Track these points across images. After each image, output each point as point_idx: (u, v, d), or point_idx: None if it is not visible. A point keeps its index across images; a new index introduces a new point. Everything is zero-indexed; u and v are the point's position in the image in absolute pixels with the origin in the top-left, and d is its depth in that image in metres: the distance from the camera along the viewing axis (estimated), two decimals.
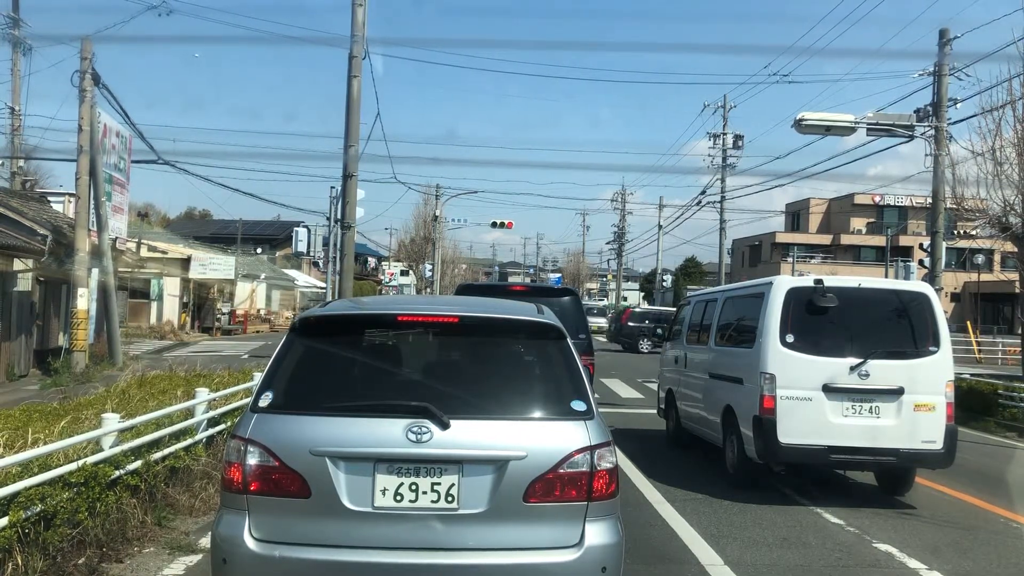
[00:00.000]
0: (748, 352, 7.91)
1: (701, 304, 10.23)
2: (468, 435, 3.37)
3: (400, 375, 3.90)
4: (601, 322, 48.00)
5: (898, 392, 7.39)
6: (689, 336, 10.34)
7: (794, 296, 7.66)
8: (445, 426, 3.34)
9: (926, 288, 8.12)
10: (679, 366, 10.41)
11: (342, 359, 3.82)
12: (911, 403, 7.38)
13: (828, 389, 7.35)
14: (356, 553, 3.28)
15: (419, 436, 3.32)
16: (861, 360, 7.39)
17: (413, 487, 3.33)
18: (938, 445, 7.38)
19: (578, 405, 3.55)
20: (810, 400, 7.35)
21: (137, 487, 5.64)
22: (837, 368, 7.40)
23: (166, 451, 6.27)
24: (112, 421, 5.60)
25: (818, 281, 7.78)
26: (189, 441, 6.80)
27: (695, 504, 7.19)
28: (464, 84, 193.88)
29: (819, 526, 6.63)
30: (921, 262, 18.24)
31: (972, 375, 16.44)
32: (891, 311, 7.94)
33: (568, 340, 3.84)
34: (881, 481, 8.25)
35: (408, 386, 3.81)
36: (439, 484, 3.33)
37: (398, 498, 3.32)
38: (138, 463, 5.71)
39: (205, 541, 5.56)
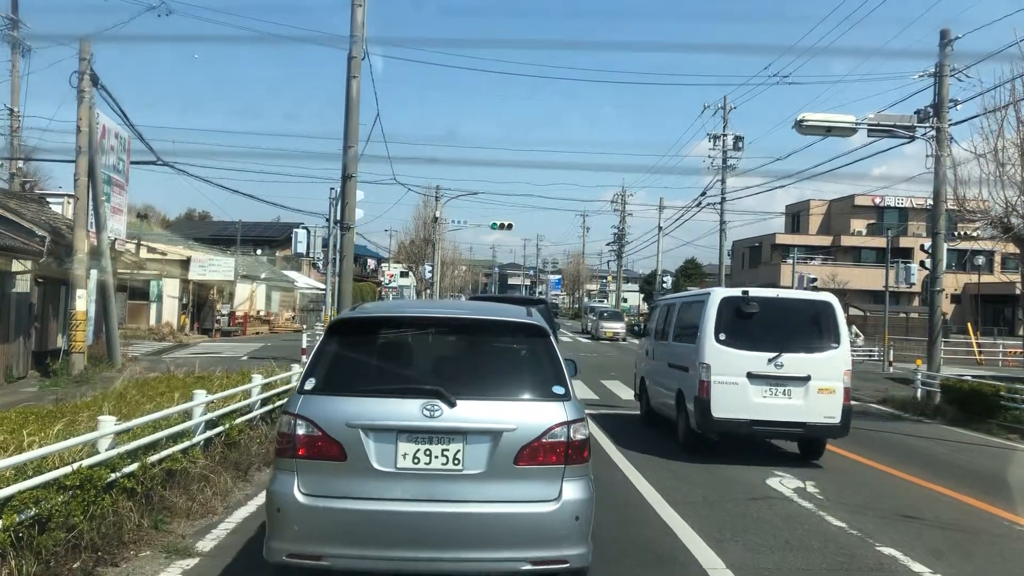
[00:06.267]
0: (692, 347, 9.77)
1: (665, 307, 12.22)
2: (471, 412, 4.14)
3: (416, 364, 4.83)
4: (618, 328, 40.54)
5: (806, 379, 9.29)
6: (656, 333, 12.28)
7: (726, 303, 9.58)
8: (452, 405, 4.12)
9: (830, 298, 9.90)
10: (648, 357, 12.48)
11: (370, 351, 4.64)
12: (816, 387, 9.27)
13: (751, 376, 9.26)
14: (382, 504, 4.04)
15: (432, 413, 4.10)
16: (777, 354, 9.27)
17: (427, 452, 4.10)
18: (836, 420, 9.31)
19: (558, 389, 4.34)
20: (737, 384, 9.25)
21: (133, 490, 5.57)
22: (758, 360, 9.28)
23: (163, 453, 6.21)
24: (108, 424, 5.55)
25: (745, 292, 9.77)
26: (187, 443, 6.74)
27: (695, 506, 7.13)
28: (464, 84, 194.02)
29: (821, 529, 6.57)
30: (922, 263, 18.17)
31: (974, 377, 16.38)
32: (802, 315, 9.76)
33: (551, 337, 4.64)
34: (801, 448, 10.16)
35: (423, 373, 4.64)
36: (448, 450, 4.10)
37: (415, 461, 4.09)
38: (134, 466, 5.64)
39: (203, 545, 5.52)
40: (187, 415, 7.12)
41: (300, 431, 4.12)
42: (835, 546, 6.09)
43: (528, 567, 4.08)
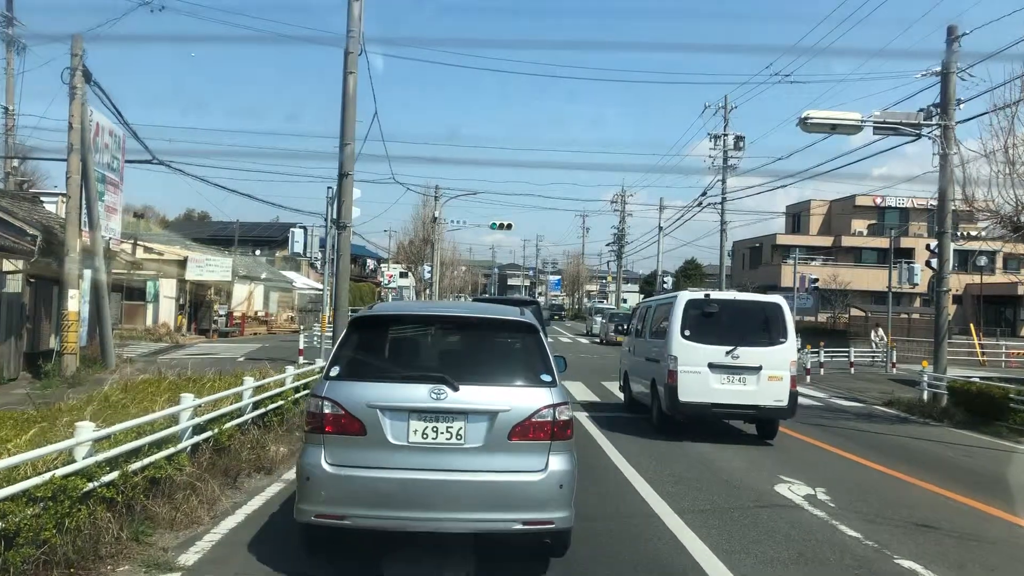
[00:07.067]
0: (663, 342, 11.26)
1: (644, 308, 14.08)
2: (471, 395, 4.82)
3: (425, 355, 5.61)
4: None
5: (758, 368, 10.72)
6: (636, 331, 14.01)
7: (691, 304, 11.12)
8: (456, 389, 4.80)
9: (780, 299, 11.49)
10: (630, 353, 14.12)
11: (385, 344, 5.44)
12: (767, 375, 10.70)
13: (712, 366, 10.73)
14: (396, 472, 4.70)
15: (438, 396, 4.78)
16: (733, 347, 10.73)
17: (434, 429, 4.77)
18: (784, 403, 10.77)
19: (546, 377, 5.04)
20: (699, 373, 10.71)
21: (113, 500, 5.28)
22: (717, 352, 10.76)
23: (146, 461, 5.90)
24: (86, 430, 5.23)
25: (707, 295, 11.50)
26: (172, 450, 6.44)
27: (703, 515, 6.83)
28: (464, 84, 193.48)
29: (835, 540, 6.26)
30: (928, 263, 17.84)
31: (981, 379, 16.09)
32: (755, 315, 11.23)
33: (540, 333, 5.32)
34: (758, 429, 11.57)
35: (430, 362, 5.44)
36: (451, 427, 4.78)
37: (424, 436, 4.77)
38: (114, 474, 5.35)
39: (185, 558, 5.22)
40: (173, 420, 6.82)
41: (327, 411, 4.78)
42: (852, 559, 5.79)
43: (519, 527, 4.78)
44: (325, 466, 4.71)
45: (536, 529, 4.83)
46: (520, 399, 4.86)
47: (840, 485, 8.41)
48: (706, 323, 10.96)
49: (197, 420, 7.21)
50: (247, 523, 6.12)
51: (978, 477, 9.47)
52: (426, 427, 4.75)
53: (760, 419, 11.28)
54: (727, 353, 10.70)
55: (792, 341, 11.00)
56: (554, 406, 4.86)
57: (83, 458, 5.14)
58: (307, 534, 5.02)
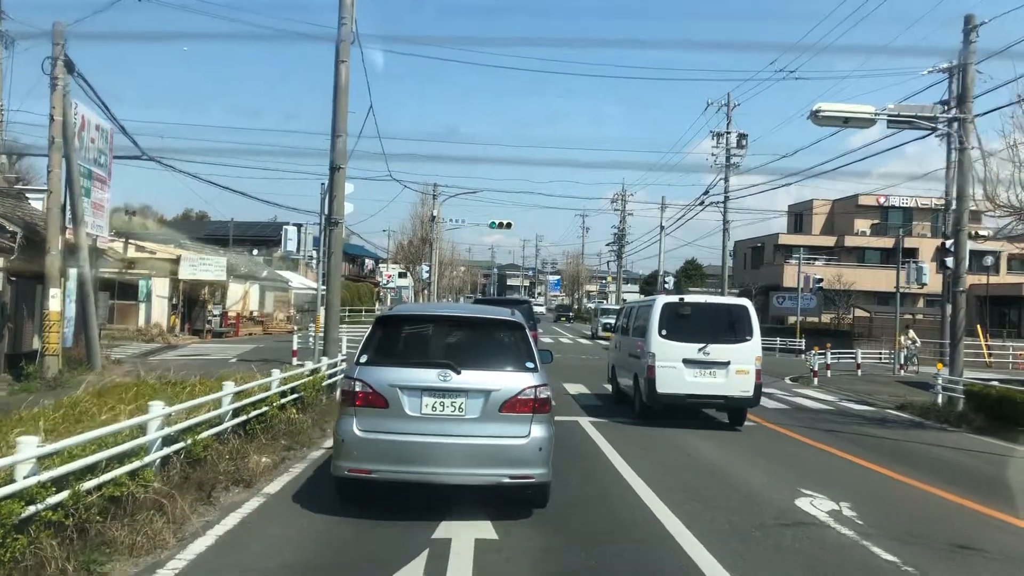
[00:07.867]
0: (643, 340, 12.56)
1: (628, 309, 15.52)
2: (471, 378, 6.08)
3: (434, 345, 6.75)
4: None
5: (727, 363, 12.03)
6: (620, 330, 15.40)
7: (667, 306, 12.50)
8: (459, 373, 6.06)
9: (746, 302, 12.98)
10: (616, 349, 15.65)
11: (403, 336, 6.80)
12: (734, 369, 12.02)
13: (686, 361, 12.04)
14: (411, 437, 6.00)
15: (445, 378, 6.05)
16: (705, 344, 12.04)
17: (441, 403, 6.04)
18: (750, 393, 12.11)
19: (530, 364, 6.32)
20: (675, 368, 12.00)
21: (62, 524, 4.68)
22: (691, 349, 12.07)
23: (104, 477, 5.29)
24: (28, 446, 4.61)
25: (681, 298, 12.90)
26: (137, 464, 5.81)
27: (722, 536, 6.20)
28: (463, 82, 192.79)
29: (870, 565, 5.65)
30: (943, 263, 17.23)
31: (1000, 381, 15.45)
32: (724, 315, 12.59)
33: (526, 330, 6.61)
34: (729, 418, 12.84)
35: (439, 351, 6.57)
36: (455, 402, 6.05)
37: (434, 409, 6.04)
38: (63, 495, 4.73)
39: None
40: (141, 430, 6.19)
41: (358, 389, 6.08)
42: None
43: (507, 480, 6.05)
44: (356, 432, 6.01)
45: (520, 482, 6.12)
46: (509, 381, 6.13)
47: (864, 498, 7.79)
48: (681, 323, 12.25)
49: (168, 430, 6.59)
50: (218, 546, 5.50)
51: (1006, 488, 8.86)
52: (435, 402, 6.02)
53: (729, 408, 12.61)
54: (699, 350, 12.00)
55: (757, 339, 12.26)
56: (535, 387, 6.14)
57: (24, 477, 4.52)
58: (340, 486, 6.40)
